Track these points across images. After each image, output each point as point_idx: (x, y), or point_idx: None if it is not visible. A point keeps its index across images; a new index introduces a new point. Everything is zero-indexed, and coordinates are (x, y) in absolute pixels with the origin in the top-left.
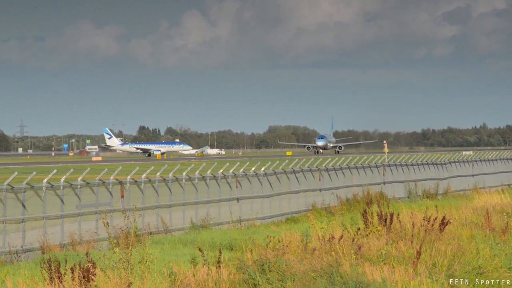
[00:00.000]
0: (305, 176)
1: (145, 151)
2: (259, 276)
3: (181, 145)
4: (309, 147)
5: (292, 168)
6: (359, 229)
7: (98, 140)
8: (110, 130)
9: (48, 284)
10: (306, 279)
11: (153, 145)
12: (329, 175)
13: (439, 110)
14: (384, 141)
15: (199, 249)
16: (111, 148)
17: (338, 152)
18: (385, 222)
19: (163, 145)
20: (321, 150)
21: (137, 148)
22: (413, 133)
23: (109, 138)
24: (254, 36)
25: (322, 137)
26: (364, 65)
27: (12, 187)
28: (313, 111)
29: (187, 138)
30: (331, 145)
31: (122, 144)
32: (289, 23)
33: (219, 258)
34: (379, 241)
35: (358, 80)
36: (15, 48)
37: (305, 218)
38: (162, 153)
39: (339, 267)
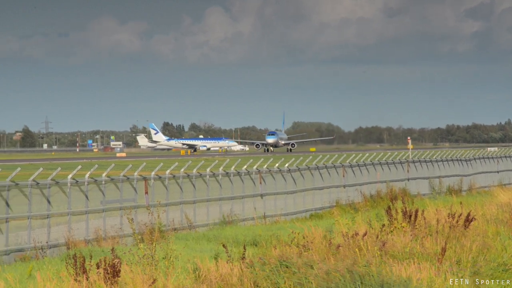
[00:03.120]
0: (329, 172)
1: (191, 146)
2: (280, 273)
3: (227, 141)
4: (258, 144)
5: (316, 165)
6: (383, 225)
7: (123, 136)
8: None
9: (73, 279)
10: (329, 277)
11: (199, 141)
12: (353, 171)
13: (463, 106)
14: (408, 137)
15: (223, 245)
16: (158, 143)
17: (290, 150)
18: (410, 218)
19: (209, 141)
20: (271, 148)
21: (183, 144)
22: (438, 129)
23: (155, 134)
24: (276, 32)
25: (272, 134)
26: (386, 61)
27: (37, 183)
28: (336, 107)
29: (210, 134)
30: (283, 142)
31: (168, 140)
32: (311, 19)
33: (243, 254)
34: (404, 237)
35: (381, 76)
36: (39, 44)
37: (329, 214)
38: (208, 149)
39: (364, 264)
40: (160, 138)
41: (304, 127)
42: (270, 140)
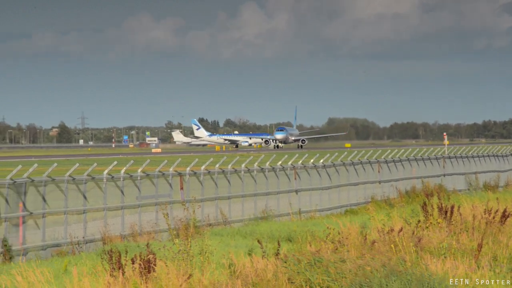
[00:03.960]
0: (364, 168)
1: (233, 142)
2: (314, 269)
3: (268, 136)
4: (267, 140)
5: (351, 160)
6: (419, 221)
7: (158, 132)
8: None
9: (109, 274)
10: (363, 272)
11: (241, 136)
12: (388, 167)
13: (500, 101)
14: (444, 133)
15: (258, 240)
16: (200, 139)
17: (301, 146)
18: (446, 214)
19: (251, 136)
20: (280, 144)
21: (225, 139)
22: (474, 125)
23: (197, 129)
24: (311, 28)
25: (281, 129)
26: (422, 56)
27: (74, 179)
28: (371, 103)
29: (246, 130)
30: (293, 138)
31: (210, 135)
32: (346, 15)
33: (278, 250)
34: (440, 233)
35: (417, 71)
36: (74, 41)
37: (364, 210)
38: (250, 145)
39: (399, 260)
40: (202, 133)
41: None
42: (279, 136)
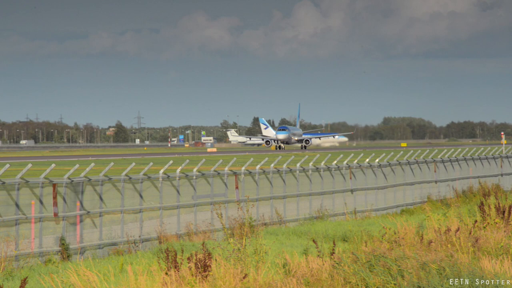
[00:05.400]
0: (420, 168)
1: (300, 141)
2: (374, 268)
3: (337, 136)
4: (268, 141)
5: (407, 160)
6: (476, 221)
7: (213, 131)
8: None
9: (164, 273)
10: (420, 274)
11: (307, 136)
12: (444, 166)
13: None
14: (502, 132)
15: (313, 240)
16: (264, 136)
17: (304, 147)
18: (503, 214)
19: (318, 136)
20: (282, 145)
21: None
22: None
23: (265, 128)
24: (366, 27)
25: (283, 129)
26: (479, 54)
27: (130, 178)
28: (427, 102)
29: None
30: (296, 138)
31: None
32: (402, 14)
33: (333, 249)
34: (497, 234)
35: (473, 70)
36: (131, 40)
37: (421, 210)
38: (317, 144)
39: (456, 260)
40: (271, 132)
41: (395, 122)
42: (281, 136)
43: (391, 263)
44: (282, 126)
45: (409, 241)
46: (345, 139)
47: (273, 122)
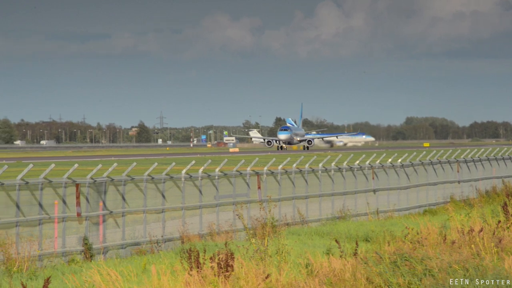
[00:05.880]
0: (443, 168)
1: (326, 142)
2: (400, 268)
3: (363, 136)
4: (269, 141)
5: (429, 160)
6: (499, 221)
7: (235, 131)
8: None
9: (187, 273)
10: (443, 274)
11: (333, 136)
12: (467, 167)
13: None
14: None
15: (336, 240)
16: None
17: (307, 148)
18: None
19: (345, 136)
20: (284, 145)
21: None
22: None
23: None
24: (388, 27)
25: (285, 129)
26: (502, 54)
27: (152, 178)
28: (450, 102)
29: (322, 130)
30: (298, 138)
31: (306, 135)
32: (424, 13)
33: (356, 249)
34: None
35: (496, 70)
36: (152, 41)
37: (443, 210)
38: (344, 144)
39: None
40: None
41: (418, 122)
42: (282, 136)
43: (416, 263)
44: (284, 126)
45: (432, 241)
46: (372, 138)
47: (295, 122)
